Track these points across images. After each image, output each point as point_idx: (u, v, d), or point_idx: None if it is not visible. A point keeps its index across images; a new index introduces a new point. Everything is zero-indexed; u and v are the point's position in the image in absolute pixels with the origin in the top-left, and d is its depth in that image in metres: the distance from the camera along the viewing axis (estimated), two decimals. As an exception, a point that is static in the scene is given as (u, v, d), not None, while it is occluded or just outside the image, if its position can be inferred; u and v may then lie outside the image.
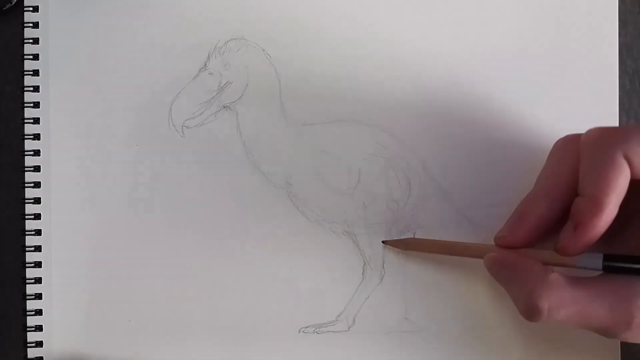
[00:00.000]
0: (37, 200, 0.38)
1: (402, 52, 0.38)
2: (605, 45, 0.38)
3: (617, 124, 0.38)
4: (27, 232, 0.38)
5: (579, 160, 0.32)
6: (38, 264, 0.38)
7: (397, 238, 0.38)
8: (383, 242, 0.38)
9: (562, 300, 0.30)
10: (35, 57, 0.38)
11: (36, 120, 0.38)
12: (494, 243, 0.35)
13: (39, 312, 0.38)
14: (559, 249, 0.32)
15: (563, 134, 0.35)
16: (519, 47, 0.39)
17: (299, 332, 0.38)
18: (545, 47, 0.39)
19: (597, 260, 0.31)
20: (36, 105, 0.38)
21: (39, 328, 0.38)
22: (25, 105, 0.38)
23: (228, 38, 0.39)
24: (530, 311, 0.31)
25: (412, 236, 0.38)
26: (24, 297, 0.38)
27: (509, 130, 0.38)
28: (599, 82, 0.38)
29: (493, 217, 0.38)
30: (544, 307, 0.30)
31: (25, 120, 0.38)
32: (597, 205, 0.30)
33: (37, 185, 0.38)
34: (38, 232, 0.38)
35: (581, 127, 0.32)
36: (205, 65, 0.38)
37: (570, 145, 0.33)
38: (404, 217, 0.38)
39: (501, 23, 0.39)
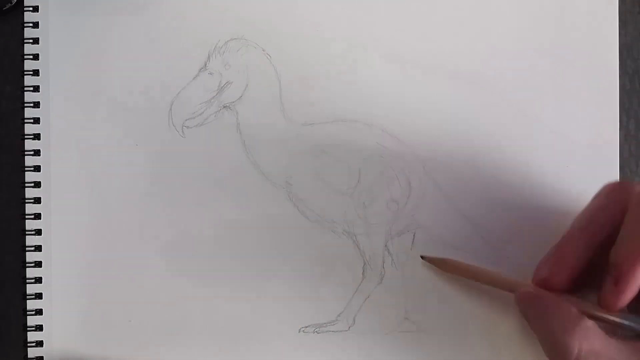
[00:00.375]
0: (37, 200, 0.38)
1: (402, 52, 0.38)
2: (605, 45, 0.38)
3: (617, 125, 0.38)
4: (27, 232, 0.38)
5: (625, 210, 0.31)
6: (38, 264, 0.38)
7: (398, 238, 0.38)
8: (422, 256, 0.37)
9: (594, 348, 0.29)
10: (35, 57, 0.38)
11: (36, 120, 0.38)
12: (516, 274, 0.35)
13: (39, 312, 0.38)
14: (603, 303, 0.31)
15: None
16: (519, 47, 0.39)
17: (299, 332, 0.38)
18: (545, 47, 0.39)
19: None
20: (36, 105, 0.38)
21: (39, 328, 0.38)
22: (25, 105, 0.38)
23: (228, 38, 0.39)
24: (558, 349, 0.30)
25: (412, 236, 0.38)
26: (24, 297, 0.38)
27: (509, 130, 0.38)
28: (599, 82, 0.38)
29: (493, 216, 0.38)
30: (574, 347, 0.29)
31: (25, 120, 0.38)
32: (639, 262, 0.30)
33: (37, 185, 0.38)
34: (38, 232, 0.38)
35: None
36: (205, 65, 0.38)
37: (619, 194, 0.32)
38: (404, 217, 0.38)
39: (501, 23, 0.39)
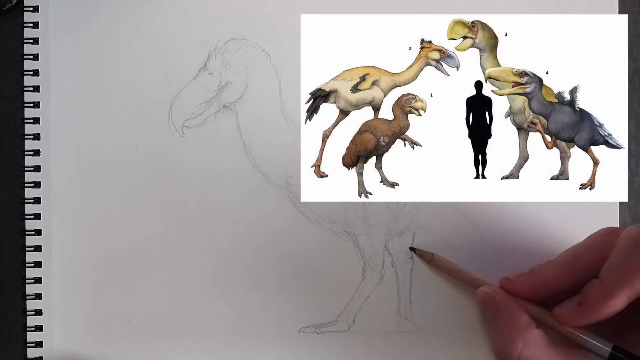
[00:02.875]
0: (37, 200, 0.38)
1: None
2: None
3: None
4: (27, 232, 0.38)
5: (609, 253, 0.32)
6: (38, 264, 0.38)
7: (398, 238, 0.38)
8: (411, 248, 0.38)
9: (535, 356, 0.31)
10: (35, 57, 0.38)
11: (36, 120, 0.38)
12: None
13: (39, 312, 0.38)
14: (557, 314, 0.32)
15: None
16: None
17: (299, 332, 0.38)
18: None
19: (606, 350, 0.31)
20: (36, 105, 0.38)
21: (39, 328, 0.38)
22: (25, 105, 0.38)
23: (228, 38, 0.39)
24: (502, 351, 0.32)
25: (412, 236, 0.38)
26: (24, 297, 0.38)
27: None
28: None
29: (492, 216, 0.38)
30: (515, 353, 0.31)
31: (25, 120, 0.38)
32: (608, 295, 0.30)
33: (37, 185, 0.38)
34: (38, 232, 0.38)
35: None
36: (205, 65, 0.38)
37: (608, 238, 0.33)
38: (404, 217, 0.38)
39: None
